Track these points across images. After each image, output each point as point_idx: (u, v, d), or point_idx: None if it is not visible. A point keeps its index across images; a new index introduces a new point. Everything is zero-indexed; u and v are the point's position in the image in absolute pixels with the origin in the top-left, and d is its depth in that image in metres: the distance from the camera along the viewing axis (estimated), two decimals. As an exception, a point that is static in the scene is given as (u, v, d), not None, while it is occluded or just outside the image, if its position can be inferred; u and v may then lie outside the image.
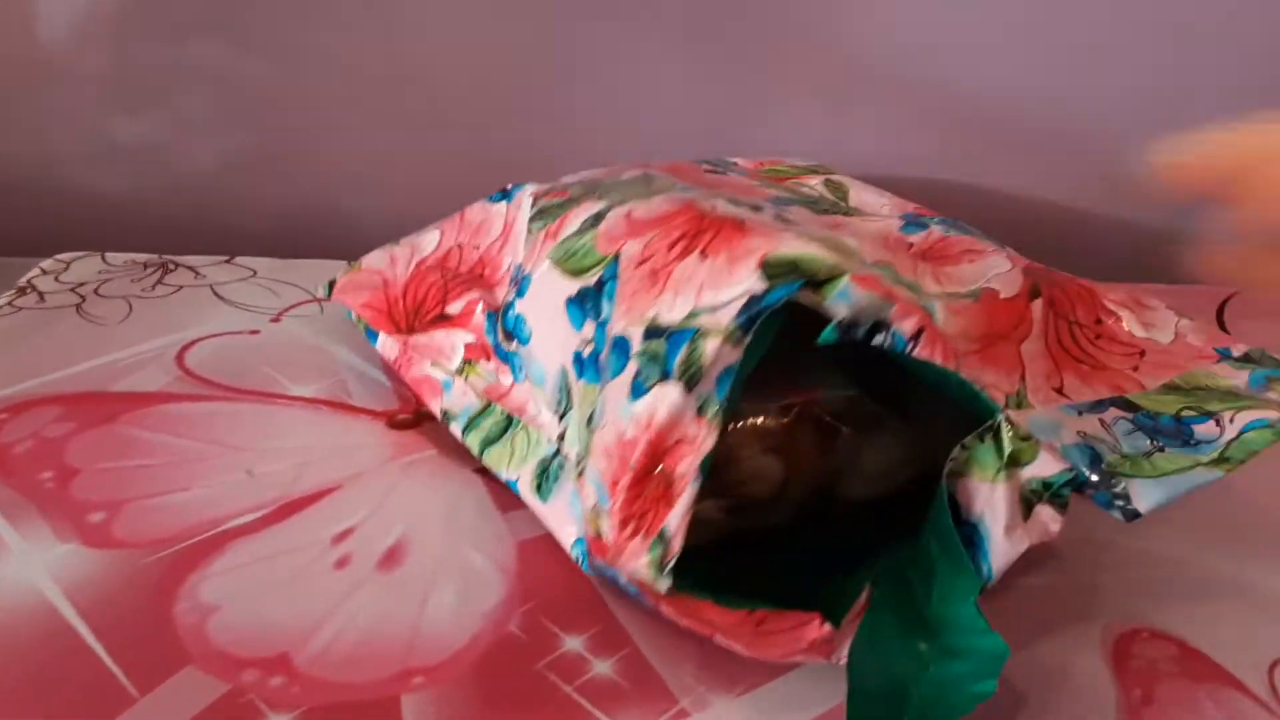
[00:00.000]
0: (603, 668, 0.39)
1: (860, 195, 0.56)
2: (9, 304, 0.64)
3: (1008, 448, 0.37)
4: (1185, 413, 0.41)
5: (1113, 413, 0.42)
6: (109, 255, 0.70)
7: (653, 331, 0.37)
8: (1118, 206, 0.76)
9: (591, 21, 0.71)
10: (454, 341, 0.50)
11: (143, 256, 0.70)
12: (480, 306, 0.50)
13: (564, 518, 0.42)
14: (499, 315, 0.48)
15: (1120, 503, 0.37)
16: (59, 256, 0.70)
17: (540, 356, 0.45)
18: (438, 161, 0.76)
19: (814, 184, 0.58)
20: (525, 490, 0.44)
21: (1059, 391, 0.43)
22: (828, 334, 0.36)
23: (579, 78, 0.73)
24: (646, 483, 0.36)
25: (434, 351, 0.51)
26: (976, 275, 0.46)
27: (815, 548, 0.43)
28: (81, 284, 0.66)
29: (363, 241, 0.75)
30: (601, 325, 0.40)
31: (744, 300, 0.36)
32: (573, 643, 0.40)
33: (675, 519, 0.35)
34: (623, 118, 0.75)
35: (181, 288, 0.66)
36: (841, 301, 0.36)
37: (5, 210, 0.77)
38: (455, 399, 0.49)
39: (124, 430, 0.52)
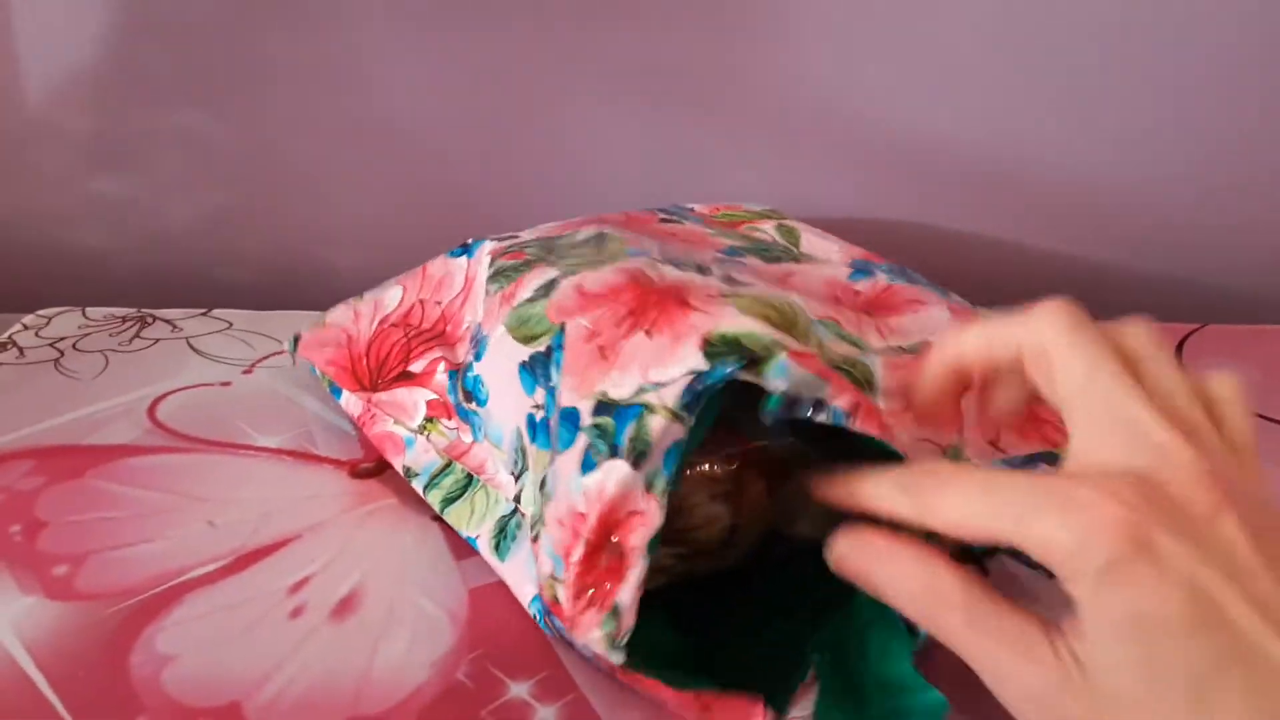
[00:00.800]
0: (546, 714, 0.40)
1: (811, 240, 0.57)
2: (-11, 360, 0.65)
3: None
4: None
5: (1043, 469, 0.44)
6: (90, 310, 0.72)
7: (601, 407, 0.38)
8: (1061, 242, 0.77)
9: (550, 74, 0.73)
10: (416, 399, 0.51)
11: (122, 310, 0.71)
12: (442, 365, 0.51)
13: (521, 576, 0.43)
14: (459, 374, 0.49)
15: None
16: (41, 312, 0.71)
17: (497, 417, 0.46)
18: (406, 213, 0.77)
19: (767, 229, 0.59)
20: (484, 548, 0.45)
21: (994, 445, 0.45)
22: (772, 404, 0.37)
23: (538, 129, 0.75)
24: (599, 555, 0.37)
25: (397, 409, 0.52)
26: (918, 327, 0.48)
27: (766, 585, 0.44)
28: (61, 339, 0.68)
29: (337, 291, 0.77)
30: (550, 392, 0.41)
31: (688, 379, 0.37)
32: (518, 689, 0.41)
33: (627, 595, 0.36)
34: (582, 168, 0.77)
35: (158, 340, 0.67)
36: (778, 378, 0.37)
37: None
38: (417, 456, 0.50)
39: (92, 483, 0.53)
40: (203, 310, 0.71)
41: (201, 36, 0.72)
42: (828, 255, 0.55)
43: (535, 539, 0.40)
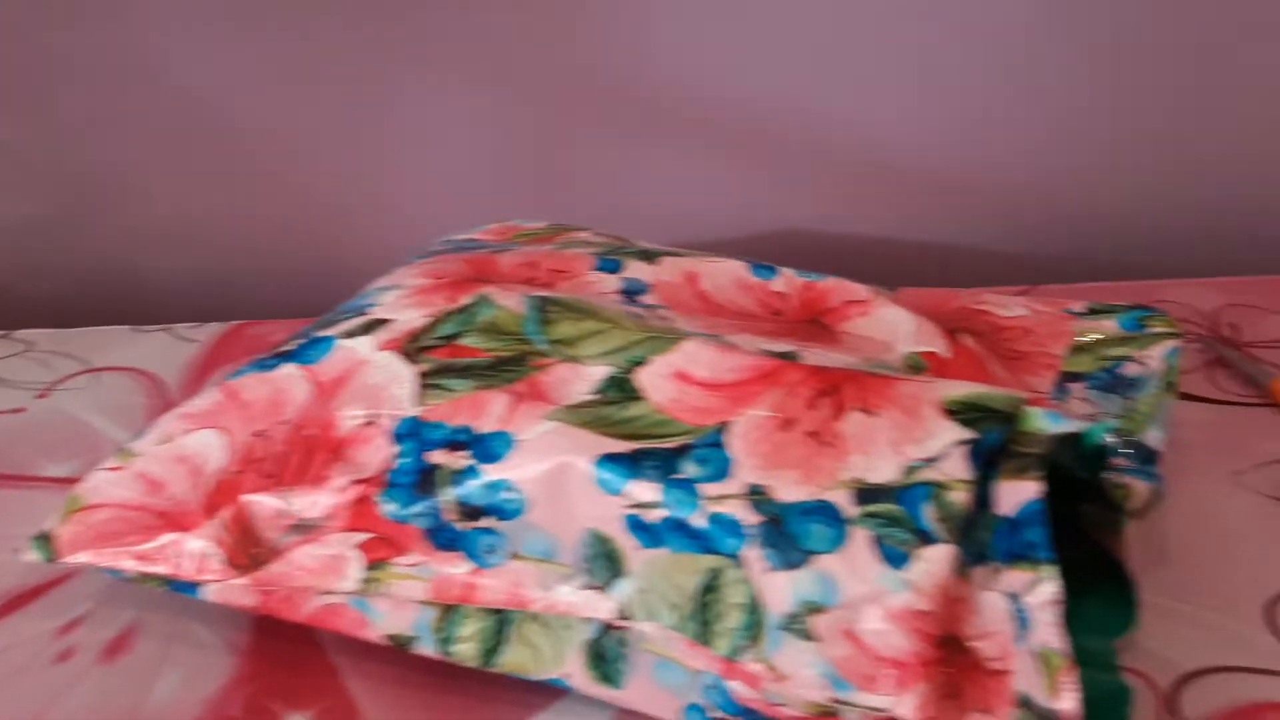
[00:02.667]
0: (321, 743, 0.39)
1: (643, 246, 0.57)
2: None
3: (1116, 500, 0.40)
4: (1104, 363, 0.49)
5: (1073, 388, 0.49)
6: (-118, 338, 0.68)
7: (867, 495, 0.36)
8: (914, 224, 0.78)
9: (376, 61, 0.70)
10: (332, 552, 0.40)
11: (-86, 336, 0.68)
12: (376, 494, 0.41)
13: (655, 696, 0.38)
14: (436, 487, 0.40)
15: (1139, 455, 0.43)
16: None
17: (546, 526, 0.39)
18: (222, 214, 0.74)
19: (586, 238, 0.58)
20: (583, 683, 0.39)
21: (1033, 392, 0.48)
22: (1095, 440, 0.38)
23: (383, 132, 0.72)
24: (944, 655, 0.34)
25: (309, 575, 0.41)
26: (883, 330, 0.49)
27: None
28: None
29: (148, 300, 0.74)
30: (682, 489, 0.37)
31: (963, 449, 0.36)
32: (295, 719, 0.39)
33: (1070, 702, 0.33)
34: (434, 176, 0.75)
35: (-47, 368, 0.64)
36: (1057, 424, 0.37)
37: None
38: (396, 619, 0.40)
39: None
40: (3, 332, 0.68)
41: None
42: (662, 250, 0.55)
43: (734, 657, 0.35)
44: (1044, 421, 0.37)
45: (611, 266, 0.53)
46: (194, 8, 0.68)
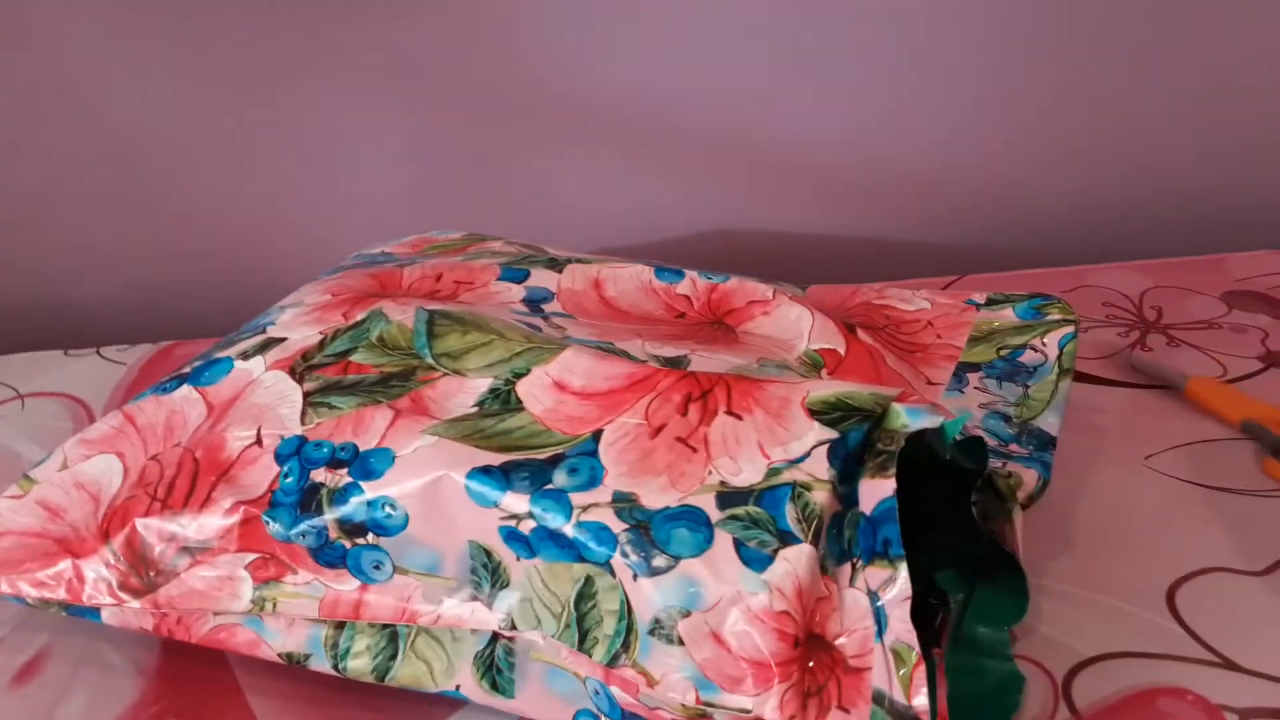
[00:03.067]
0: (225, 761, 0.39)
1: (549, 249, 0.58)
2: None
3: (1005, 491, 0.42)
4: (1002, 352, 0.51)
5: (970, 378, 0.50)
6: None
7: (730, 498, 0.37)
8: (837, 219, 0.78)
9: (287, 73, 0.71)
10: (221, 573, 0.41)
11: None
12: (241, 512, 0.41)
13: (548, 703, 0.39)
14: (324, 509, 0.40)
15: (1034, 443, 0.46)
16: None
17: (428, 540, 0.39)
18: (145, 234, 0.75)
19: (497, 246, 0.58)
20: (476, 694, 0.39)
21: (930, 384, 0.50)
22: (950, 436, 0.38)
23: (298, 151, 0.73)
24: (807, 654, 0.35)
25: (202, 599, 0.41)
26: (780, 329, 0.50)
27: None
28: None
29: (77, 325, 0.74)
30: (552, 499, 0.38)
31: (826, 448, 0.37)
32: (199, 738, 0.40)
33: (923, 700, 0.33)
34: (357, 191, 0.75)
35: (-118, 400, 0.64)
36: (916, 419, 0.38)
37: None
38: (288, 637, 0.41)
39: None
40: (-69, 361, 0.68)
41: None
42: (571, 257, 0.56)
43: (611, 663, 0.36)
44: (906, 418, 0.38)
45: (517, 276, 0.53)
46: (109, 35, 0.68)
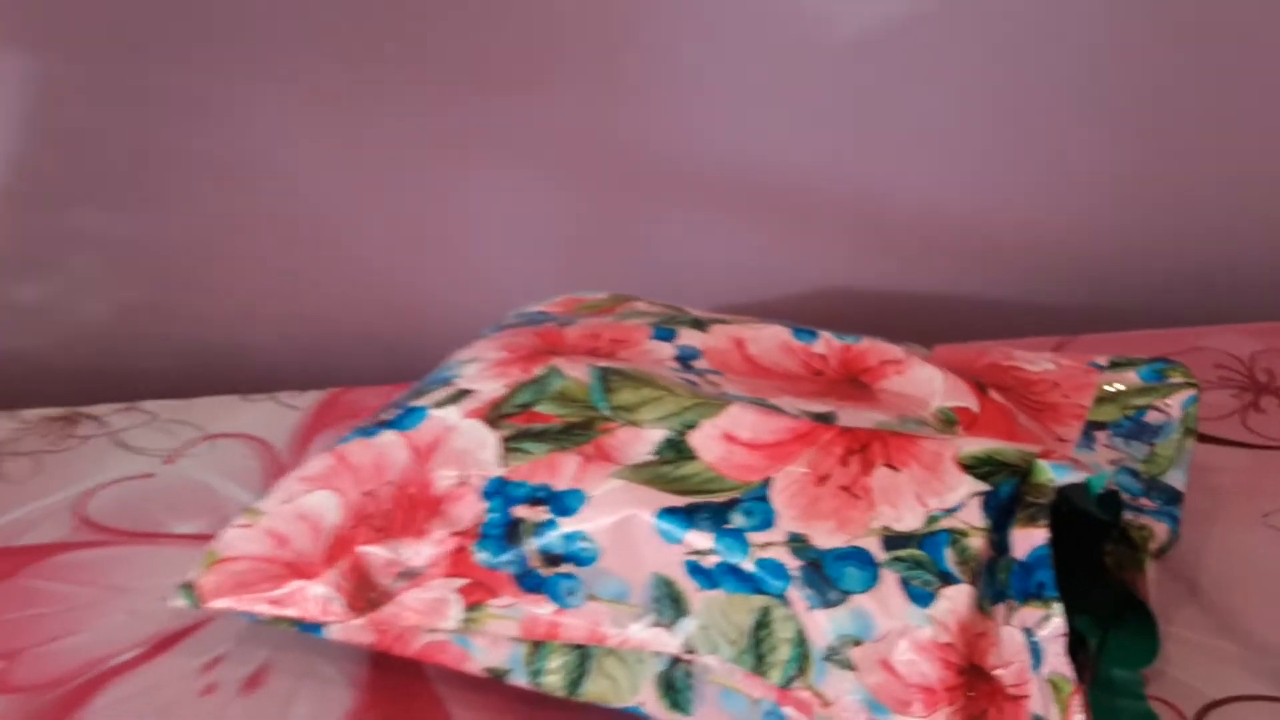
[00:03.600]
0: (436, 765, 0.44)
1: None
2: (-72, 469, 0.69)
3: (1138, 542, 0.46)
4: (1127, 412, 0.54)
5: (1099, 436, 0.54)
6: (24, 413, 0.75)
7: (894, 541, 0.41)
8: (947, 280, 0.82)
9: (452, 150, 0.77)
10: (435, 596, 0.46)
11: (54, 411, 0.75)
12: (471, 544, 0.46)
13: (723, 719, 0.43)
14: (522, 538, 0.45)
15: (1162, 498, 0.50)
16: (-26, 419, 0.75)
17: (617, 571, 0.44)
18: (312, 294, 0.82)
19: (642, 307, 0.63)
20: (656, 710, 0.44)
21: (1061, 440, 0.53)
22: (1094, 491, 0.42)
23: (444, 205, 0.79)
24: (969, 683, 0.39)
25: (417, 615, 0.46)
26: (915, 388, 0.54)
27: None
28: (-4, 443, 0.71)
29: (253, 371, 0.81)
30: (732, 537, 0.42)
31: (979, 500, 0.42)
32: (409, 744, 0.45)
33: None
34: (502, 252, 0.81)
35: (88, 438, 0.71)
36: (1062, 475, 0.42)
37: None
38: (491, 654, 0.46)
39: (25, 582, 0.57)
40: (127, 404, 0.75)
41: (104, 140, 0.76)
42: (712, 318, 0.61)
43: (786, 685, 0.40)
44: (1051, 473, 0.42)
45: (666, 335, 0.58)
46: (291, 112, 0.76)
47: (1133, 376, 0.57)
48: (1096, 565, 0.47)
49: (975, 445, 0.45)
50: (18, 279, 0.79)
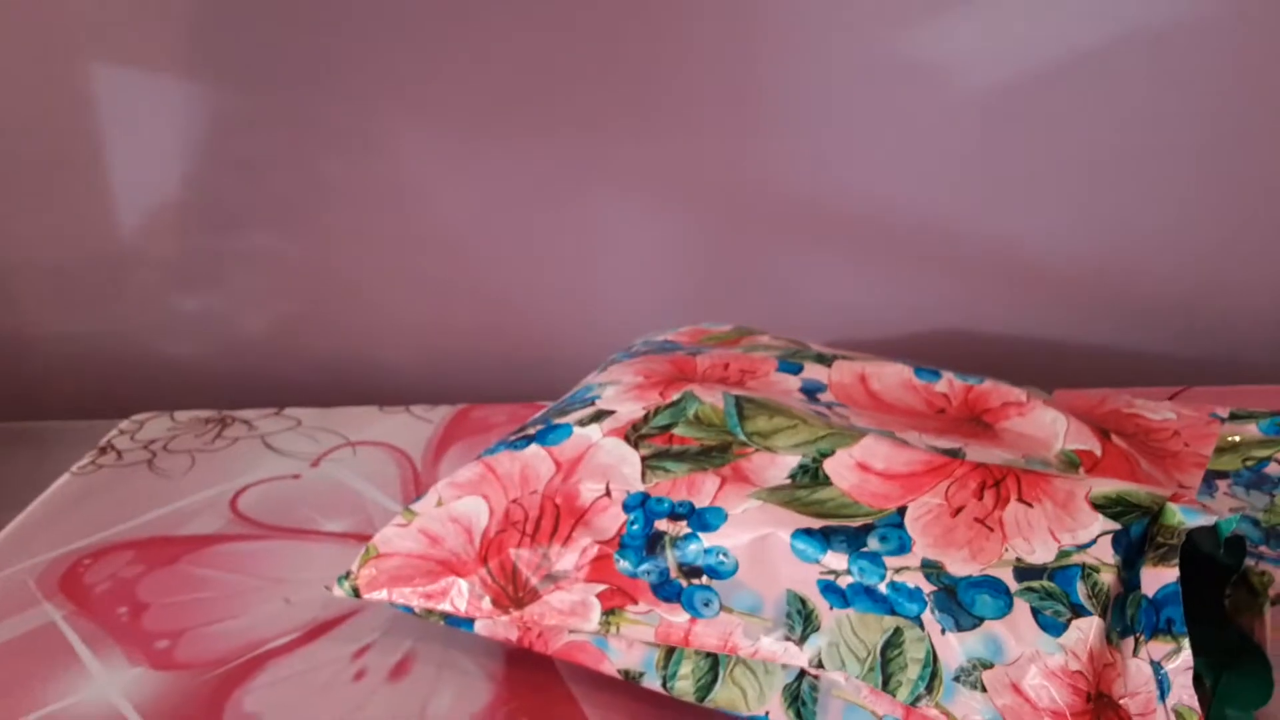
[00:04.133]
0: (570, 756, 0.47)
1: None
2: (92, 463, 0.74)
3: (1258, 587, 0.45)
4: (1248, 463, 0.56)
5: (1219, 484, 0.56)
6: (177, 414, 0.81)
7: (1026, 573, 0.43)
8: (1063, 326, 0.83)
9: (585, 183, 0.82)
10: (577, 599, 0.49)
11: (205, 413, 0.81)
12: (613, 553, 0.49)
13: None
14: (666, 552, 0.48)
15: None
16: (135, 417, 0.81)
17: (753, 585, 0.47)
18: (447, 316, 0.87)
19: (764, 341, 0.66)
20: None
21: (1182, 487, 0.55)
22: (1225, 534, 0.44)
23: (576, 237, 0.84)
24: (1096, 710, 0.41)
25: (559, 616, 0.49)
26: (1035, 429, 0.56)
27: None
28: (152, 441, 0.77)
29: (387, 386, 0.86)
30: (869, 559, 0.45)
31: (1110, 538, 0.44)
32: (546, 735, 0.48)
33: None
34: (628, 283, 0.85)
35: (237, 440, 0.76)
36: (1192, 519, 0.44)
37: (87, 378, 0.89)
38: (627, 656, 0.48)
39: (185, 569, 0.62)
40: (275, 410, 0.80)
41: (267, 167, 0.82)
42: (835, 354, 0.63)
43: (914, 703, 0.42)
44: (1181, 516, 0.44)
45: (792, 369, 0.61)
46: (439, 145, 0.81)
47: (1253, 429, 0.59)
48: (1215, 609, 0.48)
49: (1107, 486, 0.46)
50: (183, 290, 0.86)
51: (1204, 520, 0.43)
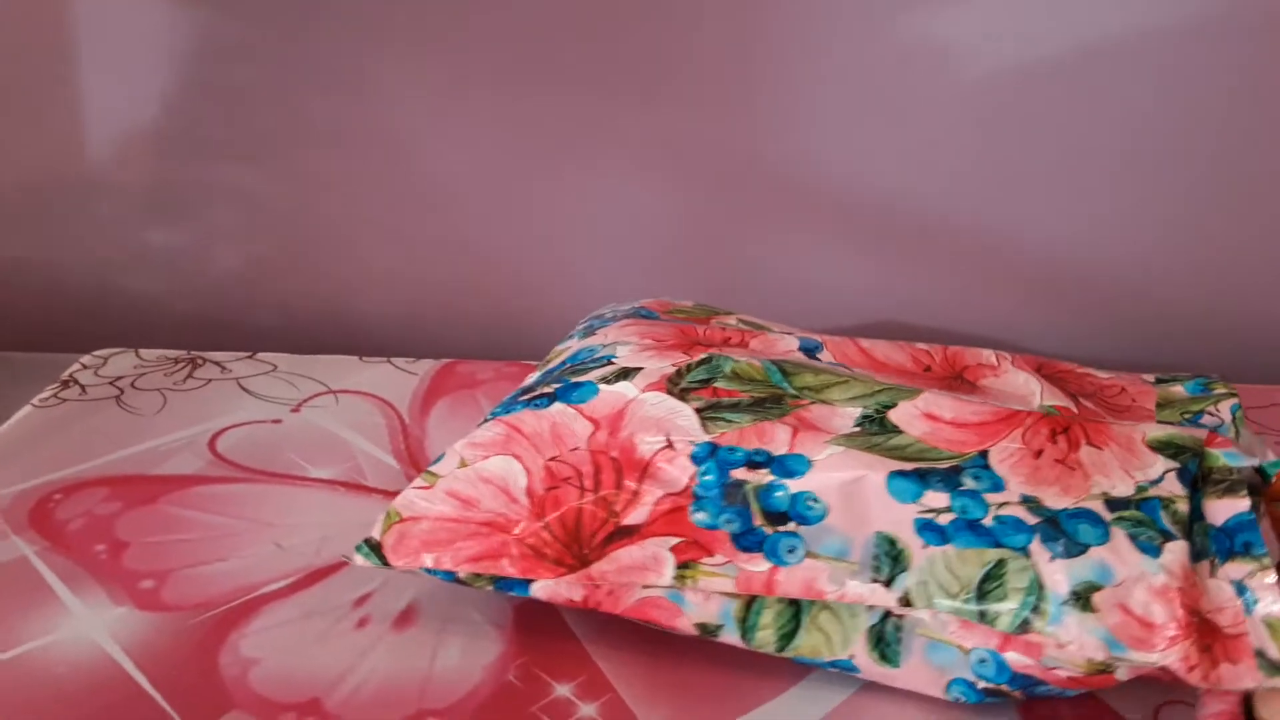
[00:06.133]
0: (588, 710, 0.46)
1: (784, 334, 0.64)
2: (54, 395, 0.71)
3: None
4: (1185, 416, 0.58)
5: None
6: (143, 351, 0.78)
7: (1116, 504, 0.46)
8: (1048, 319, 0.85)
9: (574, 144, 0.80)
10: (649, 553, 0.47)
11: (173, 353, 0.77)
12: (688, 505, 0.48)
13: (925, 673, 0.46)
14: (749, 501, 0.48)
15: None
16: (97, 353, 0.77)
17: (842, 528, 0.47)
18: (429, 266, 0.84)
19: (733, 322, 0.65)
20: (866, 664, 0.46)
21: None
22: (1272, 470, 0.48)
23: (560, 195, 0.82)
24: (1196, 624, 0.43)
25: (631, 572, 0.47)
26: (1012, 387, 0.58)
27: None
28: (119, 378, 0.74)
29: (365, 336, 0.83)
30: (969, 497, 0.47)
31: (1175, 474, 0.47)
32: (562, 690, 0.47)
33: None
34: (613, 251, 0.84)
35: (210, 381, 0.74)
36: (1235, 460, 0.48)
37: (49, 309, 0.85)
38: (704, 609, 0.47)
39: (166, 509, 0.59)
40: (249, 353, 0.77)
41: (251, 99, 0.79)
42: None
43: (1018, 630, 0.44)
44: (1225, 459, 0.48)
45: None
46: (435, 99, 0.78)
47: (1180, 389, 0.62)
48: None
49: (1158, 430, 0.50)
50: (154, 223, 0.82)
51: (1248, 462, 0.48)
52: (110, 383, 0.73)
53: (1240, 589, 0.44)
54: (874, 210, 0.81)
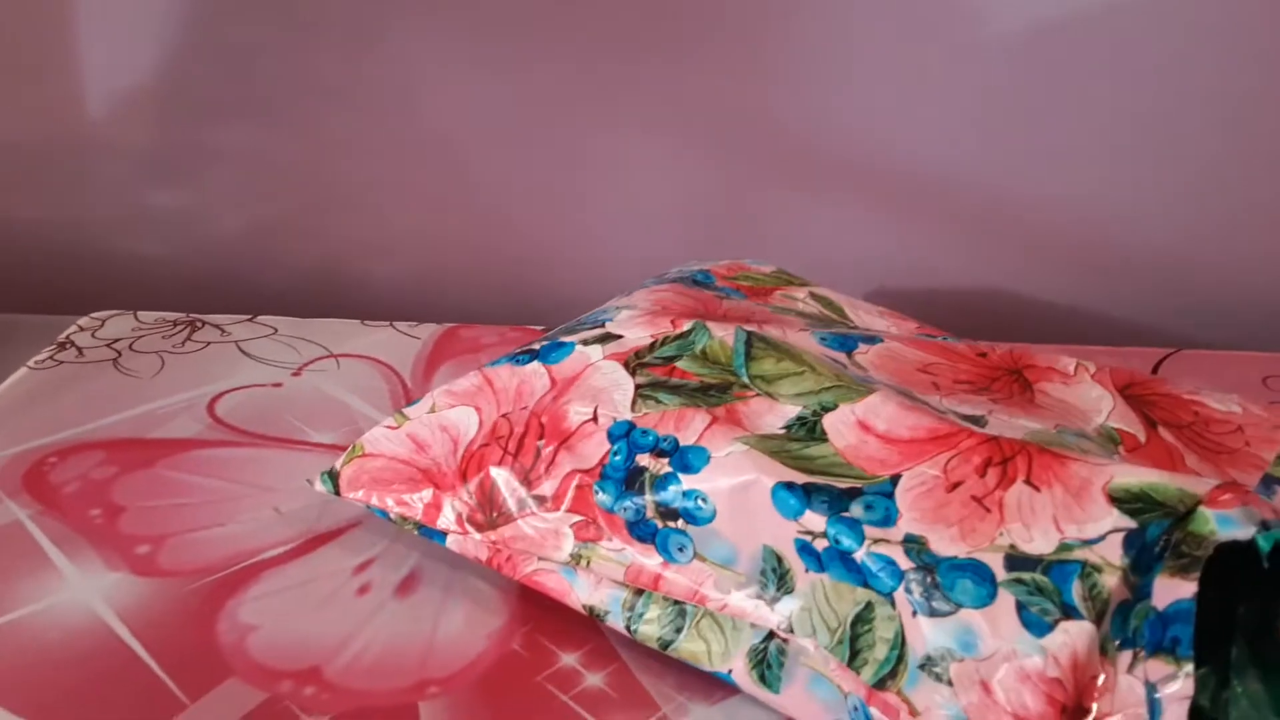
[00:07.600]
0: (594, 680, 0.45)
1: (858, 314, 0.61)
2: (50, 358, 0.70)
3: None
4: None
5: (1278, 490, 0.48)
6: (141, 314, 0.76)
7: (1018, 562, 0.38)
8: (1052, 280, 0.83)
9: (590, 104, 0.78)
10: (550, 527, 0.47)
11: (172, 315, 0.76)
12: (577, 481, 0.47)
13: (807, 706, 0.42)
14: (645, 490, 0.46)
15: None
16: (94, 314, 0.76)
17: (729, 536, 0.44)
18: (440, 229, 0.83)
19: (801, 296, 0.62)
20: (745, 682, 0.43)
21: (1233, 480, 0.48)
22: (1266, 549, 0.37)
23: (575, 155, 0.80)
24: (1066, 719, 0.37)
25: (531, 543, 0.47)
26: (1078, 400, 0.51)
27: None
28: (117, 340, 0.72)
29: (373, 300, 0.82)
30: (847, 525, 0.41)
31: (1121, 537, 0.39)
32: (568, 659, 0.46)
33: None
34: (631, 214, 0.82)
35: (209, 344, 0.72)
36: (1229, 529, 0.38)
37: (46, 270, 0.83)
38: (592, 593, 0.46)
39: (163, 473, 0.58)
40: (249, 316, 0.76)
41: (256, 56, 0.77)
42: (886, 330, 0.59)
43: (877, 685, 0.39)
44: (1214, 525, 0.38)
45: (829, 340, 0.55)
46: (440, 46, 0.76)
47: None
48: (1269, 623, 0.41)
49: (1132, 478, 0.41)
50: (155, 184, 0.80)
51: (1240, 532, 0.38)
52: (108, 345, 0.72)
53: (1150, 694, 0.36)
54: (904, 178, 0.79)
